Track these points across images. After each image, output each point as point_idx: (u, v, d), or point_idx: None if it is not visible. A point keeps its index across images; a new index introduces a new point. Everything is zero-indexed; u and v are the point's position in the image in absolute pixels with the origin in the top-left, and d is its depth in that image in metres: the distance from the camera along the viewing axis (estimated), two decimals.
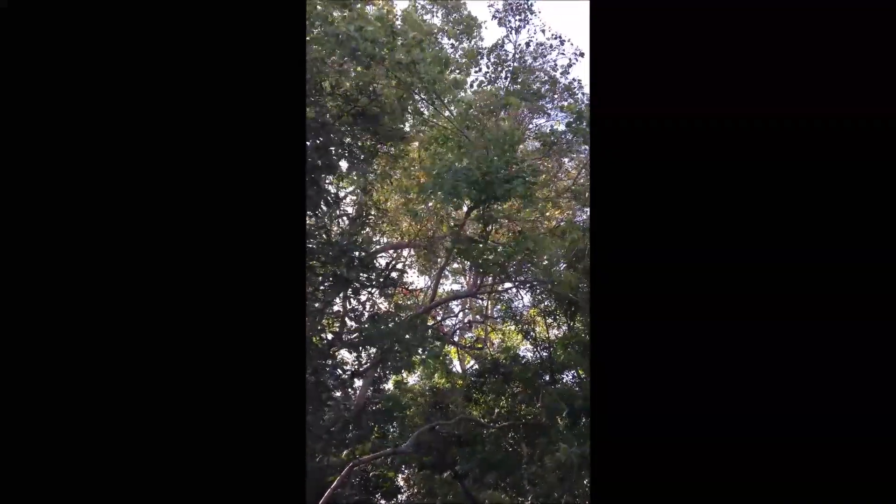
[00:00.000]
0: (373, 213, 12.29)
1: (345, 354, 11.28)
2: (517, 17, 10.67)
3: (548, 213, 13.19)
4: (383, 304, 11.80)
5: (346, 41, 8.42)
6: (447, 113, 10.66)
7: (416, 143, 12.44)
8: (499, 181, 9.07)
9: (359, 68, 9.44)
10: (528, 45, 11.22)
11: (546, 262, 11.31)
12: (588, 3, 2.87)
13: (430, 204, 12.63)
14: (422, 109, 11.28)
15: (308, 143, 9.11)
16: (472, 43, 12.02)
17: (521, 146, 10.63)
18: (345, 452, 11.16)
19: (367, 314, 11.04)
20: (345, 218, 11.66)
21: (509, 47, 10.97)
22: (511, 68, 10.93)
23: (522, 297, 13.21)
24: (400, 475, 12.82)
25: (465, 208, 11.00)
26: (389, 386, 13.41)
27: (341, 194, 12.35)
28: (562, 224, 12.73)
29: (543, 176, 11.02)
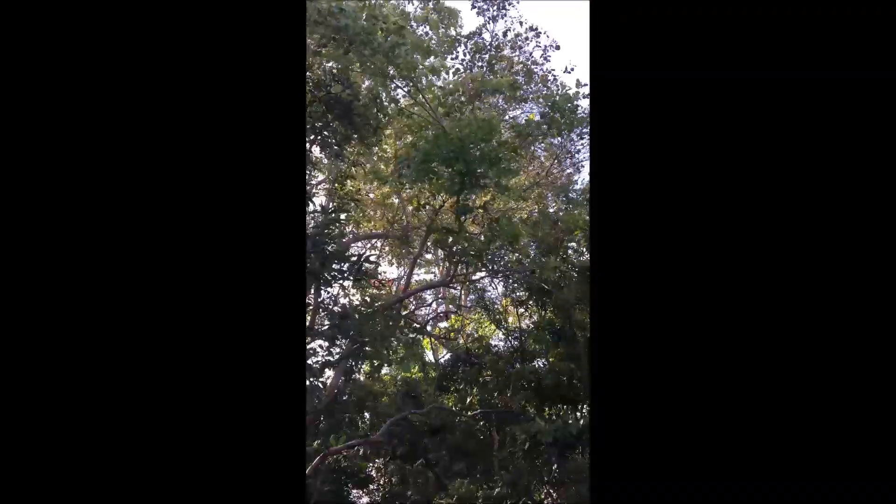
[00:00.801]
0: (341, 201, 12.14)
1: (316, 345, 11.18)
2: (494, 7, 10.61)
3: (519, 203, 13.21)
4: (356, 297, 11.72)
5: (327, 18, 8.27)
6: (421, 98, 10.58)
7: (390, 130, 12.33)
8: (478, 160, 9.04)
9: (333, 51, 9.30)
10: (505, 34, 11.19)
11: (520, 251, 11.36)
12: (588, 3, 2.85)
13: (405, 193, 12.56)
14: (398, 97, 11.17)
15: None
16: (449, 28, 11.93)
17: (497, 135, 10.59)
18: (316, 442, 11.10)
19: (338, 307, 10.96)
20: (317, 212, 11.52)
21: (486, 36, 10.93)
22: (487, 57, 10.87)
23: (497, 287, 13.25)
24: (372, 465, 12.82)
25: (440, 198, 10.95)
26: (361, 376, 13.35)
27: (313, 182, 12.20)
28: (534, 215, 12.79)
29: (516, 164, 11.01)
